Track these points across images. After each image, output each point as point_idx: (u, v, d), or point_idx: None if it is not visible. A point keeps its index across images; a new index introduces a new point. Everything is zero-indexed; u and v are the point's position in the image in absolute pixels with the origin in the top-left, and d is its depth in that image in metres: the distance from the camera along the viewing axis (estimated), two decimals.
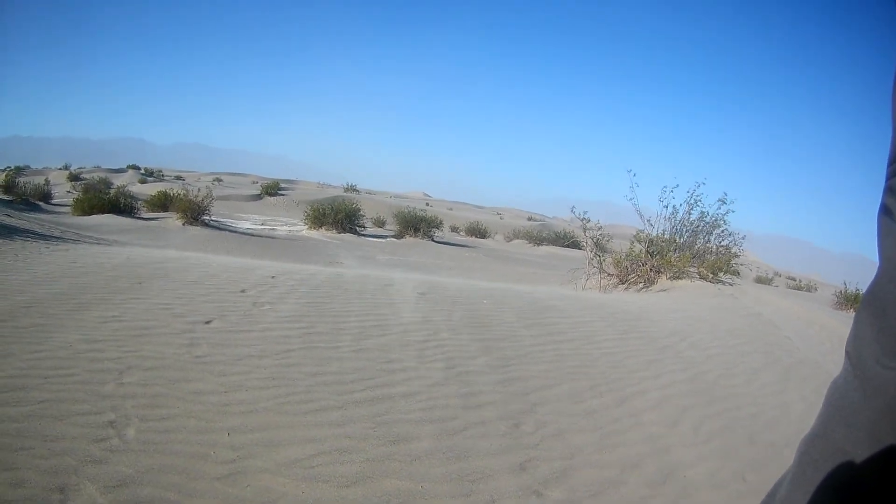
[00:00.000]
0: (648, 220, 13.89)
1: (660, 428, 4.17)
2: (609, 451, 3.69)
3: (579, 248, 30.76)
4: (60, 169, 69.34)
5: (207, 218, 21.99)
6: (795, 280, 49.18)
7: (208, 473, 2.87)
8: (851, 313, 16.73)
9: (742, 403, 4.97)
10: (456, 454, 3.35)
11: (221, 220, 25.74)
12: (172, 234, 18.76)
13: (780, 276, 50.79)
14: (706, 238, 14.20)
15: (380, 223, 33.42)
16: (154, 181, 58.57)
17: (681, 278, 12.86)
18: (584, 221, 13.88)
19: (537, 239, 36.96)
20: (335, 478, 2.97)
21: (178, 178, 70.32)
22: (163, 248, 12.24)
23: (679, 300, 10.52)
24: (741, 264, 16.97)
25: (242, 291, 6.19)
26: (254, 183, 68.55)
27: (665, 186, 13.74)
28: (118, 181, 48.36)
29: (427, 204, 62.64)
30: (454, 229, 39.79)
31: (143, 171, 74.83)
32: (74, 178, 56.09)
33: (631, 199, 13.69)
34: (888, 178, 0.90)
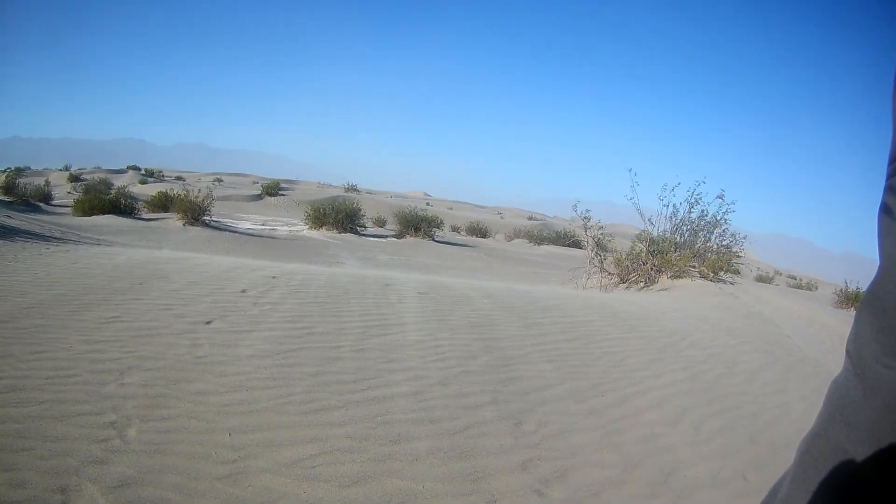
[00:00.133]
0: (649, 220, 13.91)
1: (661, 427, 4.17)
2: (610, 451, 3.69)
3: (580, 248, 30.77)
4: (61, 170, 69.28)
5: (208, 218, 21.98)
6: (796, 279, 49.15)
7: (209, 474, 2.88)
8: (852, 312, 16.73)
9: (743, 402, 4.97)
10: (457, 454, 3.35)
11: (222, 220, 25.74)
12: (173, 234, 18.76)
13: (780, 275, 50.75)
14: (707, 237, 14.22)
15: (380, 223, 33.40)
16: (154, 182, 58.53)
17: (681, 277, 12.87)
18: (586, 220, 13.89)
19: (538, 238, 36.95)
20: (336, 478, 2.97)
21: (179, 178, 70.29)
22: (163, 249, 12.24)
23: (680, 299, 10.52)
24: (741, 264, 16.97)
25: (243, 292, 6.19)
26: (254, 183, 68.54)
27: (665, 185, 13.77)
28: (118, 182, 48.32)
29: (428, 203, 62.58)
30: (455, 229, 39.76)
31: (143, 172, 74.78)
32: (75, 178, 56.05)
33: (631, 199, 13.71)
34: (888, 177, 0.90)
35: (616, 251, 14.57)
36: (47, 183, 35.26)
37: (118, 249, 9.69)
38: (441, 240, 27.93)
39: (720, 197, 13.79)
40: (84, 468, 2.79)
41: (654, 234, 13.77)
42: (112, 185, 41.91)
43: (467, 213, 58.58)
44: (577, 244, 34.24)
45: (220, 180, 71.08)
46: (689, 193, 13.83)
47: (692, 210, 13.89)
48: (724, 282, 13.18)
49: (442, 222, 31.35)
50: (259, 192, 49.40)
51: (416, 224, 26.97)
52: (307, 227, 26.09)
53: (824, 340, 8.90)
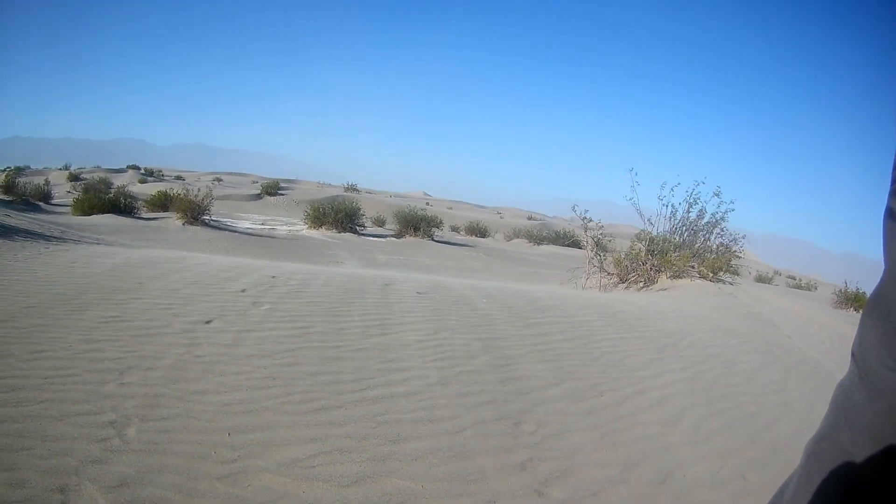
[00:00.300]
0: (648, 220, 13.92)
1: (660, 427, 4.17)
2: (609, 451, 3.70)
3: (580, 248, 30.77)
4: (60, 169, 69.26)
5: (207, 218, 21.97)
6: (795, 279, 49.16)
7: (209, 473, 2.88)
8: (851, 312, 16.76)
9: (742, 402, 4.98)
10: (456, 453, 3.36)
11: (221, 219, 25.73)
12: (172, 233, 18.76)
13: (780, 275, 50.78)
14: (706, 237, 14.23)
15: (380, 222, 33.38)
16: (154, 181, 58.50)
17: (681, 277, 12.88)
18: (585, 221, 13.90)
19: (537, 238, 36.94)
20: (336, 477, 2.97)
21: (178, 177, 70.27)
22: (163, 248, 12.24)
23: (679, 299, 10.53)
24: (741, 264, 16.98)
25: (243, 291, 6.19)
26: (254, 183, 68.52)
27: (664, 184, 13.77)
28: (118, 181, 48.29)
29: (427, 203, 62.54)
30: (454, 228, 39.75)
31: (143, 171, 74.73)
32: (74, 178, 56.03)
33: (631, 199, 13.72)
34: (893, 182, 0.90)
35: (615, 251, 14.57)
36: (47, 182, 35.25)
37: (117, 249, 9.70)
38: (440, 239, 27.92)
39: (716, 194, 13.80)
40: (83, 468, 2.79)
41: (654, 234, 13.78)
42: (112, 184, 41.87)
43: (467, 213, 58.59)
44: (576, 244, 34.25)
45: (219, 180, 71.06)
46: (688, 193, 13.85)
47: (691, 210, 13.90)
48: (724, 282, 13.19)
49: (441, 222, 31.35)
50: (258, 191, 49.37)
51: (416, 224, 26.95)
52: (306, 226, 26.08)
53: (824, 340, 8.90)
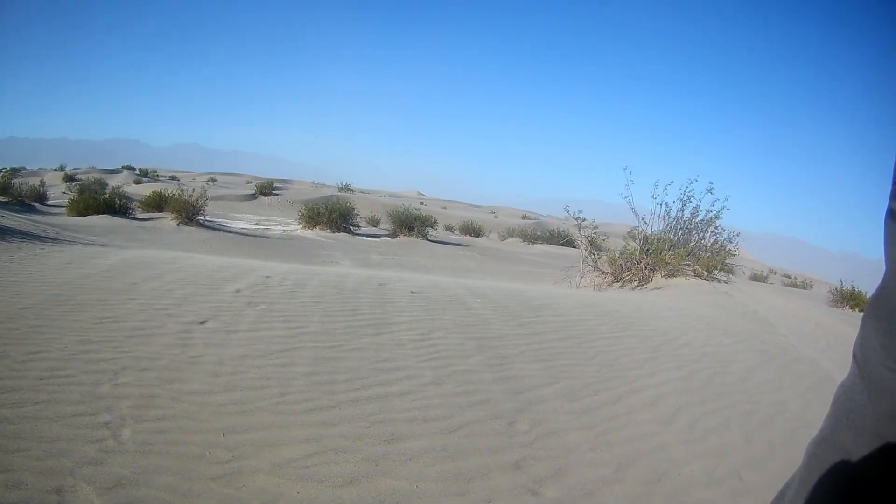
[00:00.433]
0: (643, 219, 13.92)
1: (655, 426, 4.18)
2: (604, 450, 3.70)
3: (574, 247, 30.78)
4: (56, 170, 69.13)
5: (202, 218, 21.92)
6: (791, 278, 49.25)
7: (204, 474, 2.88)
8: (847, 310, 16.80)
9: (737, 401, 4.98)
10: (451, 453, 3.36)
11: (216, 220, 25.69)
12: (167, 234, 18.73)
13: (775, 273, 50.87)
14: (700, 236, 14.24)
15: (374, 222, 33.36)
16: (149, 181, 58.39)
17: (675, 276, 12.89)
18: (579, 220, 13.90)
19: (532, 237, 36.95)
20: (330, 477, 2.98)
21: (173, 178, 70.13)
22: (158, 249, 12.23)
23: (674, 298, 10.54)
24: (736, 265, 17.01)
25: (237, 292, 6.19)
26: (248, 183, 68.43)
27: (657, 183, 13.76)
28: (113, 182, 48.11)
29: (421, 203, 62.52)
30: (448, 228, 39.74)
31: (137, 172, 74.63)
32: (70, 178, 55.91)
33: (626, 197, 13.72)
34: (894, 183, 0.90)
35: (609, 250, 14.58)
36: (42, 183, 35.14)
37: (112, 249, 9.69)
38: (435, 239, 27.90)
39: (710, 191, 13.80)
40: (79, 469, 2.79)
41: (648, 232, 13.79)
42: (107, 185, 41.76)
43: (461, 213, 58.56)
44: (570, 243, 34.26)
45: (214, 180, 70.97)
46: (682, 192, 13.85)
47: (685, 208, 13.91)
48: (718, 281, 13.21)
49: (436, 221, 31.33)
50: (253, 191, 49.28)
51: (410, 223, 26.93)
52: (301, 226, 26.06)
53: (819, 339, 8.92)
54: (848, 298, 19.19)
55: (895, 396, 0.84)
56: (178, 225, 20.61)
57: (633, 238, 13.90)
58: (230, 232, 21.78)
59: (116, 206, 22.47)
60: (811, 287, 36.01)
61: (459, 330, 5.67)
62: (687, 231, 14.07)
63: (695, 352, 6.22)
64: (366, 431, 3.48)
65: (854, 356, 0.96)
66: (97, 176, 55.50)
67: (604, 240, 15.13)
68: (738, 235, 14.83)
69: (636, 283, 13.10)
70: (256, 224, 28.62)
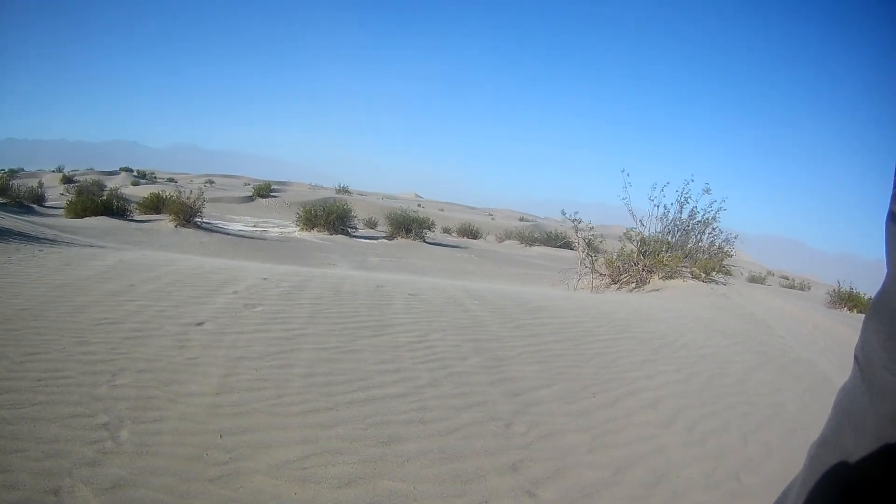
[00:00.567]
0: (640, 221, 13.93)
1: (653, 428, 4.18)
2: (602, 452, 3.70)
3: (571, 249, 30.80)
4: (54, 171, 69.10)
5: (199, 220, 21.95)
6: (789, 279, 49.30)
7: (201, 475, 2.88)
8: (845, 312, 16.82)
9: (736, 403, 4.99)
10: (448, 455, 3.36)
11: (213, 222, 25.69)
12: (165, 236, 18.73)
13: (773, 275, 50.90)
14: (698, 237, 14.25)
15: (371, 224, 33.36)
16: (147, 183, 58.39)
17: (673, 278, 12.90)
18: (576, 222, 13.91)
19: (529, 240, 37.00)
20: (328, 479, 2.98)
21: (171, 180, 70.12)
22: (155, 251, 12.22)
23: (671, 300, 10.55)
24: (733, 265, 17.03)
25: (235, 293, 6.19)
26: (246, 185, 68.47)
27: (655, 185, 13.78)
28: (111, 183, 48.19)
29: (419, 205, 62.51)
30: (446, 230, 39.75)
31: (135, 174, 74.60)
32: (68, 180, 55.89)
33: (624, 199, 13.73)
34: (895, 185, 0.91)
35: (607, 252, 14.59)
36: (40, 184, 35.21)
37: (110, 251, 9.67)
38: (432, 241, 27.93)
39: (706, 191, 13.82)
40: (77, 470, 2.79)
41: (645, 234, 13.80)
42: (105, 186, 41.79)
43: (458, 215, 58.56)
44: (568, 245, 34.31)
45: (211, 182, 70.93)
46: (679, 193, 13.86)
47: (682, 209, 13.92)
48: (716, 282, 13.23)
49: (433, 224, 31.35)
50: (251, 193, 49.31)
51: (408, 225, 26.96)
52: (298, 228, 26.08)
53: (817, 341, 8.93)
54: (846, 300, 19.21)
55: None
56: (175, 227, 20.62)
57: (630, 240, 13.91)
58: (228, 234, 21.80)
59: (114, 208, 22.47)
60: (809, 288, 36.07)
61: (457, 332, 5.67)
62: (685, 232, 14.08)
63: (693, 354, 6.23)
64: (363, 433, 3.48)
65: (856, 358, 0.96)
66: (95, 177, 55.53)
67: (601, 241, 15.14)
68: (736, 237, 14.84)
69: (633, 285, 13.11)
70: (254, 226, 28.62)
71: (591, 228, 14.44)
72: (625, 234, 14.42)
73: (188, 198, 21.79)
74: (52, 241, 9.99)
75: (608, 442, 3.85)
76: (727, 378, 5.61)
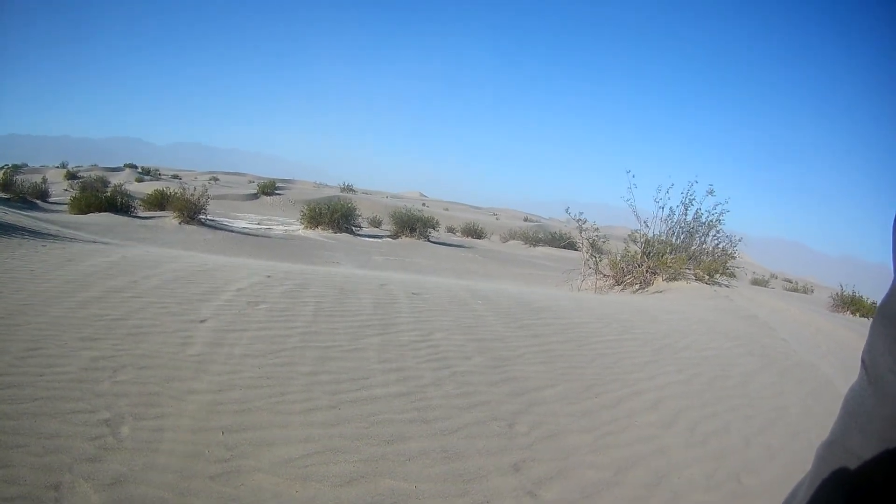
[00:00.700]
0: (644, 222, 13.92)
1: (655, 429, 4.17)
2: (604, 453, 3.70)
3: (575, 250, 30.81)
4: (58, 167, 69.16)
5: (204, 217, 21.96)
6: (792, 282, 49.24)
7: (202, 472, 2.88)
8: (848, 315, 16.78)
9: (738, 405, 4.98)
10: (450, 454, 3.36)
11: (218, 219, 25.69)
12: (169, 233, 18.75)
13: (776, 278, 50.84)
14: (702, 240, 14.24)
15: (376, 223, 33.34)
16: (151, 180, 58.40)
17: (677, 280, 12.89)
18: (581, 223, 13.90)
19: (533, 240, 36.97)
20: (329, 477, 2.97)
21: (175, 177, 70.12)
22: (159, 247, 12.23)
23: (675, 302, 10.54)
24: (737, 266, 17.01)
25: (238, 290, 6.18)
26: (250, 182, 68.46)
27: (660, 187, 13.77)
28: (115, 180, 48.17)
29: (423, 204, 62.45)
30: (450, 229, 39.72)
31: (140, 170, 74.64)
32: (72, 176, 55.90)
33: (628, 201, 13.73)
34: None
35: (611, 253, 14.58)
36: (44, 180, 35.26)
37: (113, 247, 9.68)
38: (436, 240, 27.93)
39: (710, 193, 13.81)
40: (77, 465, 2.79)
41: (650, 235, 13.80)
42: (108, 182, 41.81)
43: (463, 214, 58.49)
44: (572, 246, 34.28)
45: (216, 179, 70.93)
46: (683, 195, 13.86)
47: (687, 211, 13.92)
48: (720, 284, 13.21)
49: (437, 223, 31.33)
50: (255, 191, 49.27)
51: (412, 224, 26.95)
52: (303, 226, 26.08)
53: (820, 344, 8.92)
54: (848, 303, 19.17)
55: None
56: (179, 224, 20.64)
57: (635, 241, 13.90)
58: (232, 231, 21.80)
59: (118, 205, 22.50)
60: (812, 291, 36.00)
61: (460, 331, 5.66)
62: (689, 234, 14.08)
63: (695, 355, 6.22)
64: (365, 432, 3.48)
65: (862, 361, 0.96)
66: (99, 174, 55.57)
67: (604, 242, 15.14)
68: (739, 240, 14.84)
69: (637, 287, 13.11)
70: (258, 224, 28.63)
71: (596, 229, 14.44)
72: (629, 236, 14.42)
73: (192, 195, 21.81)
74: (56, 237, 10.01)
75: (610, 442, 3.85)
76: (729, 380, 5.60)
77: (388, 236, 26.94)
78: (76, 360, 3.95)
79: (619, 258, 13.79)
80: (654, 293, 12.23)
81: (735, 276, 16.32)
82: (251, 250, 16.57)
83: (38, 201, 29.22)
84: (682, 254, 13.48)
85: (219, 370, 4.06)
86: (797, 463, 4.03)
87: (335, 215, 25.50)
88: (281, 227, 27.67)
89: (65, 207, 24.69)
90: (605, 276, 13.70)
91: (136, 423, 3.24)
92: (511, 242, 37.84)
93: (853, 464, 0.90)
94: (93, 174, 54.37)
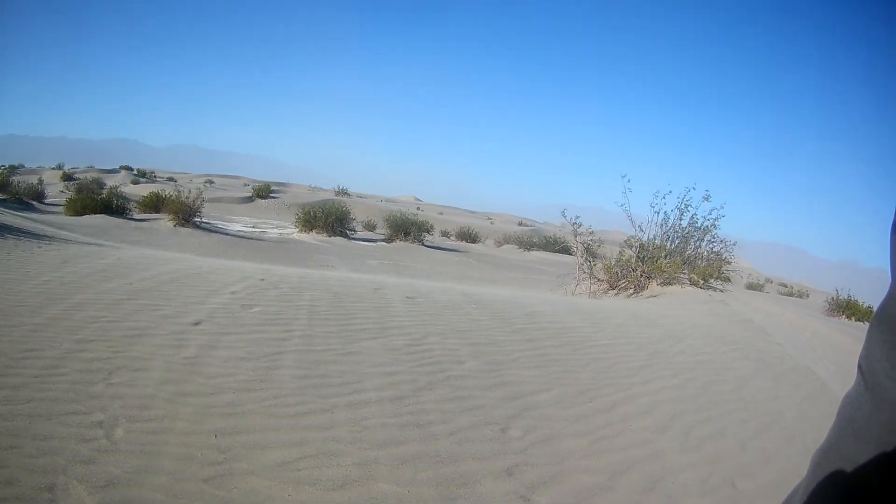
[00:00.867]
0: (639, 226, 13.95)
1: (649, 434, 4.18)
2: (598, 457, 3.70)
3: (570, 254, 30.82)
4: (54, 168, 69.08)
5: (199, 220, 21.94)
6: (787, 286, 49.34)
7: (195, 475, 2.87)
8: (843, 320, 16.83)
9: (733, 409, 4.98)
10: (443, 459, 3.36)
11: (213, 222, 25.67)
12: (164, 235, 18.74)
13: (771, 282, 50.97)
14: (697, 244, 14.27)
15: (370, 227, 33.34)
16: (146, 182, 58.37)
17: (671, 284, 12.91)
18: (576, 226, 13.92)
19: (528, 244, 37.03)
20: (322, 481, 2.97)
21: (171, 179, 70.04)
22: (154, 250, 12.21)
23: (669, 306, 10.55)
24: (732, 271, 17.04)
25: (232, 294, 6.18)
26: (245, 185, 68.47)
27: (657, 192, 13.82)
28: (111, 182, 48.08)
29: (418, 208, 62.54)
30: (445, 233, 39.76)
31: (135, 172, 74.56)
32: (68, 177, 55.83)
33: (622, 205, 13.75)
34: None
35: (606, 257, 14.61)
36: (40, 181, 35.13)
37: (109, 249, 9.66)
38: (431, 244, 27.95)
39: (706, 198, 13.85)
40: (71, 467, 2.79)
41: (645, 240, 13.83)
42: (104, 184, 41.75)
43: (457, 218, 58.52)
44: (566, 250, 34.33)
45: (211, 182, 70.87)
46: (679, 200, 13.90)
47: (682, 217, 13.95)
48: (714, 289, 13.24)
49: (432, 227, 31.35)
50: (250, 194, 49.29)
51: (406, 228, 26.97)
52: (297, 230, 26.08)
53: (815, 348, 8.94)
54: (844, 307, 19.20)
55: None
56: (174, 226, 20.62)
57: (630, 246, 13.94)
58: (227, 234, 21.80)
59: (114, 206, 22.46)
60: (807, 296, 36.10)
61: (454, 335, 5.66)
62: (684, 239, 14.10)
63: (690, 360, 6.22)
64: (358, 435, 3.48)
65: (859, 367, 0.96)
66: (95, 175, 55.57)
67: (599, 246, 15.16)
68: (734, 244, 14.87)
69: (632, 291, 13.13)
70: (253, 227, 28.63)
71: (591, 233, 14.46)
72: (625, 241, 14.45)
73: (187, 197, 21.79)
74: (51, 239, 9.99)
75: (604, 447, 3.85)
76: (724, 384, 5.60)
77: (383, 240, 26.95)
78: (71, 363, 3.95)
79: (613, 263, 13.81)
80: (648, 298, 12.25)
81: (730, 281, 16.34)
82: (245, 253, 16.56)
83: (34, 202, 29.18)
84: (677, 258, 13.51)
85: (212, 373, 4.06)
86: (792, 467, 4.03)
87: (330, 219, 25.50)
88: (276, 230, 27.68)
89: (61, 209, 24.66)
90: (599, 280, 13.72)
91: (130, 426, 3.24)
92: (505, 247, 37.89)
93: (849, 469, 0.90)
94: (89, 176, 54.38)
